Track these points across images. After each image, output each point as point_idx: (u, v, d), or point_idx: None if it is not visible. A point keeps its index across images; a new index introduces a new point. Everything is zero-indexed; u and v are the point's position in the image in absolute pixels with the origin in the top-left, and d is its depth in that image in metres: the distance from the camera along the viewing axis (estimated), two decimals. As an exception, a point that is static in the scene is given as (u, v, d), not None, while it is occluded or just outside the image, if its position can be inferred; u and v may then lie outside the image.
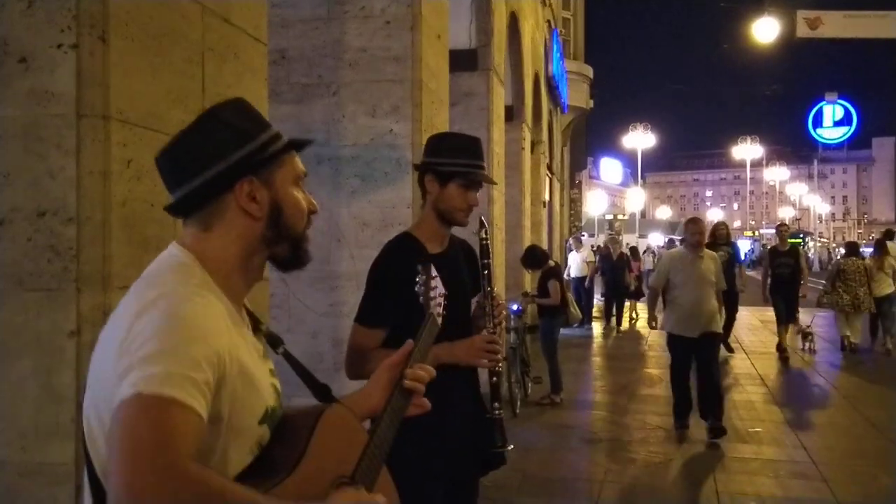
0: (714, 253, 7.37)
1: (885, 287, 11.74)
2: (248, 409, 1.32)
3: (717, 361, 7.14)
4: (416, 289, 2.11)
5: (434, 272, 2.13)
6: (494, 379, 2.56)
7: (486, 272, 2.63)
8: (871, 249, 14.29)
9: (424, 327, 1.86)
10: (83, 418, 1.30)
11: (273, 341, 1.53)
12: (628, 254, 17.43)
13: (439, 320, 1.98)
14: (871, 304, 11.58)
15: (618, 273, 15.54)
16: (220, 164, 1.37)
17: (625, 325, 15.95)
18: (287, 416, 1.42)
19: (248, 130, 1.41)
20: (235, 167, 1.37)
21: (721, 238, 11.33)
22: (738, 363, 10.69)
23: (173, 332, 1.19)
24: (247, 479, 1.28)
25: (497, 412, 2.56)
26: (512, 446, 2.60)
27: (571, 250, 17.02)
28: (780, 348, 11.20)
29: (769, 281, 11.24)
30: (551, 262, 8.62)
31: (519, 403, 7.88)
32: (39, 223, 2.00)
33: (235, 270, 1.41)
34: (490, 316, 2.56)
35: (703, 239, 6.98)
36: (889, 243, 12.55)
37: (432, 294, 2.08)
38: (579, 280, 15.67)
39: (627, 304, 16.50)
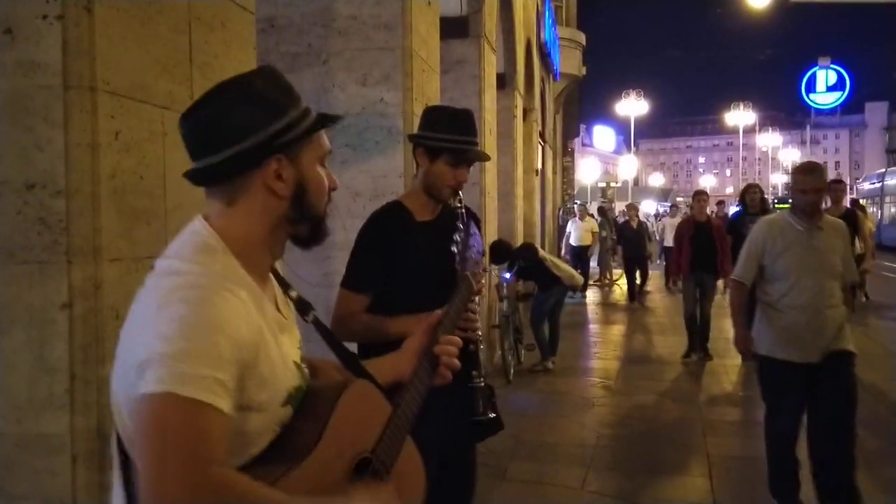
0: (841, 223, 4.43)
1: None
2: (271, 395, 1.32)
3: (856, 404, 4.23)
4: (452, 247, 2.08)
5: (473, 229, 2.10)
6: (472, 347, 2.57)
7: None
8: None
9: (458, 292, 1.85)
10: (111, 392, 1.31)
11: (302, 308, 1.53)
12: (647, 222, 17.01)
13: (474, 281, 1.95)
14: None
15: (638, 242, 14.86)
16: (250, 139, 1.33)
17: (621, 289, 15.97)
18: (310, 392, 1.42)
19: (279, 104, 1.37)
20: (265, 144, 1.34)
21: (754, 205, 8.83)
22: (730, 326, 10.73)
23: (197, 328, 1.18)
24: (267, 459, 1.30)
25: (477, 381, 2.57)
26: (494, 415, 2.60)
27: (575, 217, 16.56)
28: None
29: None
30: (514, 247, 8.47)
31: (512, 371, 7.95)
32: (28, 196, 2.00)
33: (259, 247, 1.39)
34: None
35: (820, 199, 4.19)
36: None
37: (468, 254, 2.05)
38: (581, 249, 15.39)
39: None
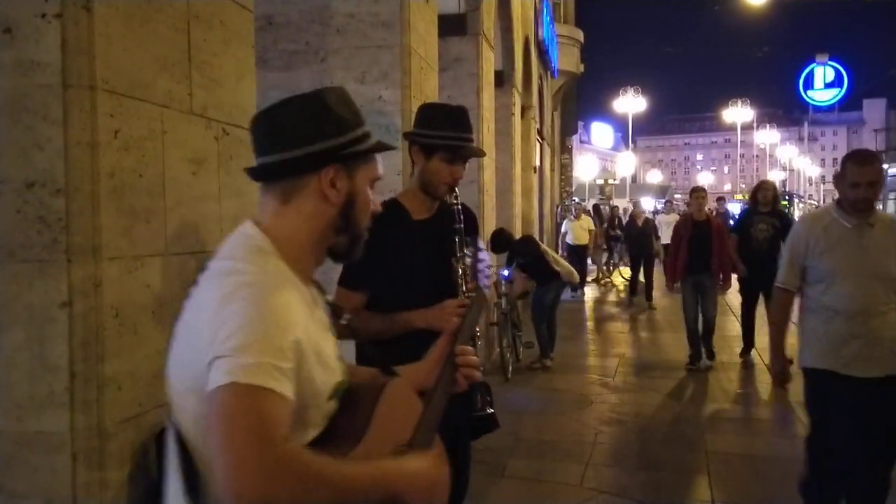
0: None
1: None
2: (321, 388, 1.40)
3: None
4: (464, 260, 2.13)
5: (480, 244, 2.15)
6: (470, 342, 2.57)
7: (457, 237, 2.62)
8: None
9: (474, 303, 1.93)
10: (168, 386, 1.39)
11: (336, 311, 1.63)
12: (654, 219, 16.72)
13: (487, 292, 2.00)
14: None
15: (643, 240, 14.45)
16: (315, 144, 1.45)
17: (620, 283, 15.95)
18: (352, 388, 1.51)
19: (347, 121, 1.50)
20: (327, 152, 1.46)
21: (766, 203, 8.35)
22: (729, 325, 10.76)
23: (260, 322, 1.25)
24: (317, 448, 1.36)
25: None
26: (492, 410, 2.61)
27: (571, 215, 16.46)
28: None
29: None
30: (514, 238, 8.42)
31: (511, 368, 7.96)
32: (28, 194, 2.00)
33: (304, 250, 1.49)
34: (464, 280, 2.53)
35: (873, 194, 3.53)
36: None
37: (480, 266, 2.10)
38: (580, 248, 15.32)
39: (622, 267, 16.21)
